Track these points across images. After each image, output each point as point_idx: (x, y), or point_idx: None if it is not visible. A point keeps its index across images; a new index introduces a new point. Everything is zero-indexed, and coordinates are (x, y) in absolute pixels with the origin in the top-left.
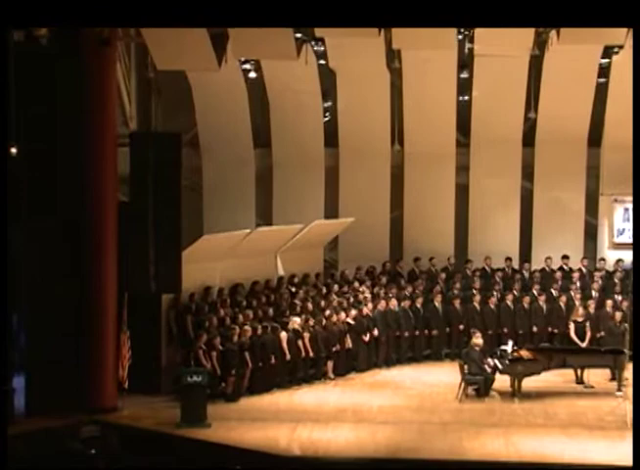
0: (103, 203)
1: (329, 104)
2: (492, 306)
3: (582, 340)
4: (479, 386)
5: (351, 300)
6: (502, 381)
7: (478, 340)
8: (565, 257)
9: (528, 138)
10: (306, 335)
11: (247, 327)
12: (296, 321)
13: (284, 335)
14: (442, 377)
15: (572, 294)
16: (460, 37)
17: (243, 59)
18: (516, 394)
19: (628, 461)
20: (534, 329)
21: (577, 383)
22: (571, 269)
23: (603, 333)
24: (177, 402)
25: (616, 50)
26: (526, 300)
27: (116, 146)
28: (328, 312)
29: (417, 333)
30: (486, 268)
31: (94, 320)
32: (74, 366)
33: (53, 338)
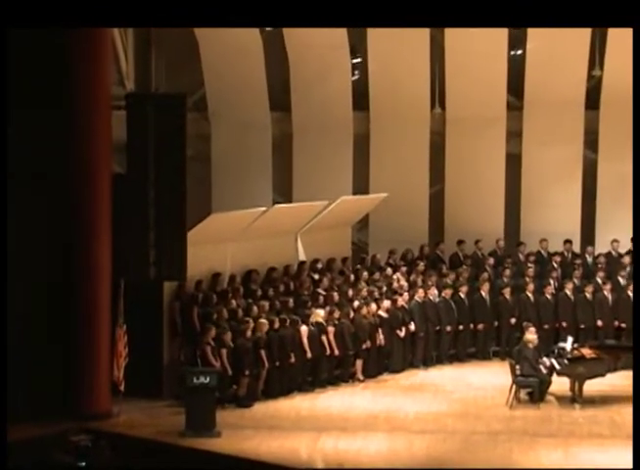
0: (94, 175)
1: (358, 60)
2: (549, 297)
3: None
4: (532, 389)
5: (384, 289)
6: (560, 384)
7: (531, 336)
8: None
9: (592, 100)
10: (331, 329)
11: (262, 320)
12: (319, 314)
13: (305, 329)
14: (490, 379)
15: None
16: None
17: None
18: (576, 399)
19: None
20: (598, 323)
21: None
22: None
23: None
24: (181, 408)
25: None
26: (589, 289)
27: (110, 109)
28: (356, 303)
29: (460, 328)
30: (542, 252)
31: (84, 312)
32: (62, 366)
33: (37, 333)
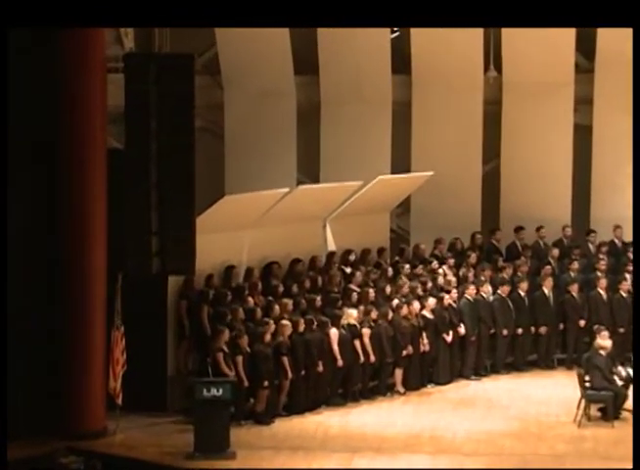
0: (85, 151)
1: None
2: (624, 295)
3: None
4: (605, 404)
5: (428, 285)
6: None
7: (604, 341)
8: None
9: None
10: (366, 333)
11: (284, 322)
12: (351, 314)
13: (335, 333)
14: (554, 392)
15: None
16: None
17: None
18: None
19: None
20: None
21: None
22: None
23: None
24: (190, 425)
25: None
26: None
27: (105, 72)
28: (396, 302)
29: (519, 331)
30: (616, 242)
31: (75, 312)
32: (48, 375)
33: (21, 338)
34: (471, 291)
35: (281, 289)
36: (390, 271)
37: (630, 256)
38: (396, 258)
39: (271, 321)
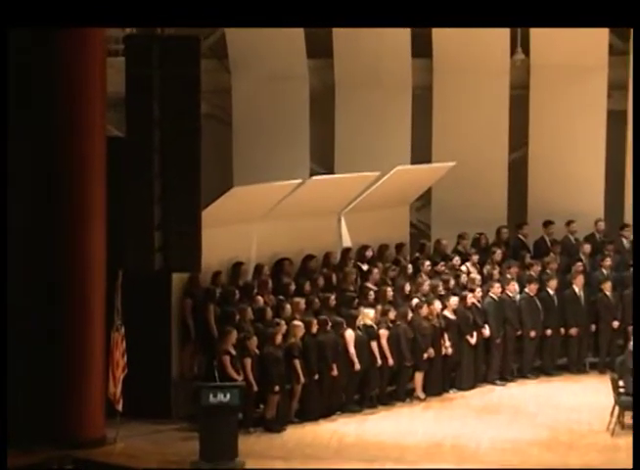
0: (83, 139)
1: None
2: None
3: None
4: None
5: (451, 283)
6: None
7: None
8: None
9: None
10: (384, 334)
11: (296, 323)
12: (368, 314)
13: (351, 334)
14: (586, 398)
15: None
16: None
17: None
18: None
19: None
20: None
21: None
22: None
23: None
24: (195, 432)
25: None
26: None
27: (105, 55)
28: (416, 302)
29: (548, 333)
30: None
31: (71, 312)
32: (43, 380)
33: (15, 340)
34: (496, 289)
35: (293, 287)
36: (410, 268)
37: None
38: (416, 254)
39: (282, 322)
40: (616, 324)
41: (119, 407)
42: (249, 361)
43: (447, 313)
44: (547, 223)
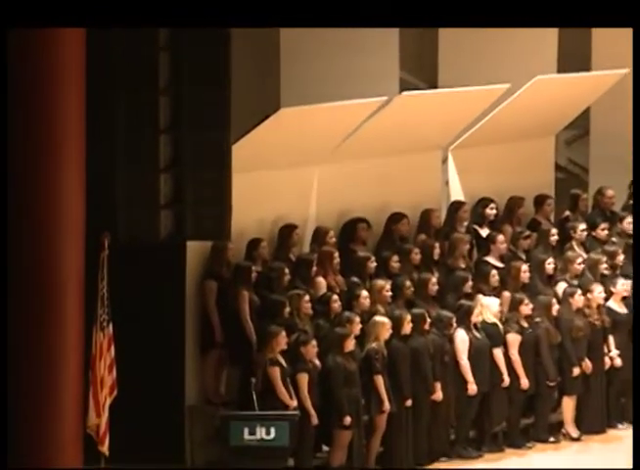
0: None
1: None
2: None
3: None
4: None
5: (619, 258)
6: None
7: None
8: None
9: None
10: (514, 338)
11: (379, 318)
12: (490, 307)
13: (463, 338)
14: None
15: None
16: None
17: None
18: None
19: None
20: None
21: None
22: None
23: None
24: None
25: None
26: None
27: None
28: (564, 287)
29: None
30: None
31: (31, 303)
32: None
33: None
34: None
35: (372, 264)
36: (555, 235)
37: None
38: (566, 212)
39: (356, 318)
40: None
41: (105, 448)
42: (304, 378)
43: (614, 305)
44: None
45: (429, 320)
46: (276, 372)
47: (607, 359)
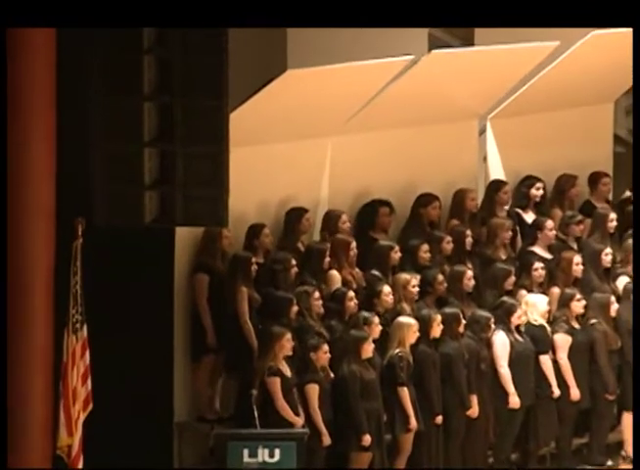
0: None
1: None
2: None
3: None
4: None
5: None
6: None
7: None
8: None
9: None
10: (564, 341)
11: (404, 319)
12: (535, 305)
13: (503, 341)
14: None
15: None
16: None
17: None
18: None
19: None
20: None
21: None
22: None
23: None
24: None
25: None
26: None
27: None
28: (625, 282)
29: None
30: None
31: None
32: None
33: None
34: None
35: (396, 254)
36: (614, 221)
37: None
38: (626, 193)
39: (376, 318)
40: None
41: None
42: (315, 390)
43: None
44: None
45: (463, 321)
46: (276, 383)
47: None
